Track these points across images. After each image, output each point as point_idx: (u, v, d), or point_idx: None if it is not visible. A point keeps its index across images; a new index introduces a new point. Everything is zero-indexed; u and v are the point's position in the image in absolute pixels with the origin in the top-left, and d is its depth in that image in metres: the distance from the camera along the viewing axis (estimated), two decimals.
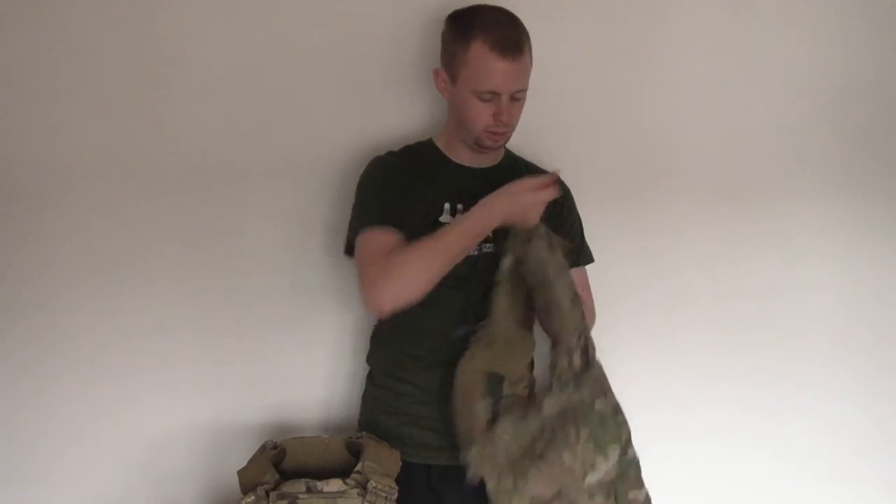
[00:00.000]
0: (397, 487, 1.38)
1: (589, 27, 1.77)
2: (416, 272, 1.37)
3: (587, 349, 1.44)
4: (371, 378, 1.60)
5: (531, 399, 1.45)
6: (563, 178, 1.65)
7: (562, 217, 1.60)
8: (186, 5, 1.63)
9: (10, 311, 1.62)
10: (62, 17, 1.59)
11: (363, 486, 1.34)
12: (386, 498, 1.35)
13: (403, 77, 1.70)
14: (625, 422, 1.45)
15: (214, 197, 1.67)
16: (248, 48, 1.66)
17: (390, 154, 1.55)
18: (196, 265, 1.67)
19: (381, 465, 1.39)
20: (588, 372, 1.43)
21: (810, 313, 1.88)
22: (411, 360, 1.51)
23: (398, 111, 1.71)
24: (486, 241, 1.49)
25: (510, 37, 1.41)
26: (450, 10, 1.50)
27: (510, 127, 1.49)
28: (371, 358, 1.61)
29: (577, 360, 1.42)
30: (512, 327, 1.45)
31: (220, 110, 1.66)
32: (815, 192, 1.88)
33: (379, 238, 1.42)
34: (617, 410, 1.45)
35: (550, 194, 1.40)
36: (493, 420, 1.41)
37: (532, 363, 1.53)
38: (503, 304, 1.44)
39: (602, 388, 1.45)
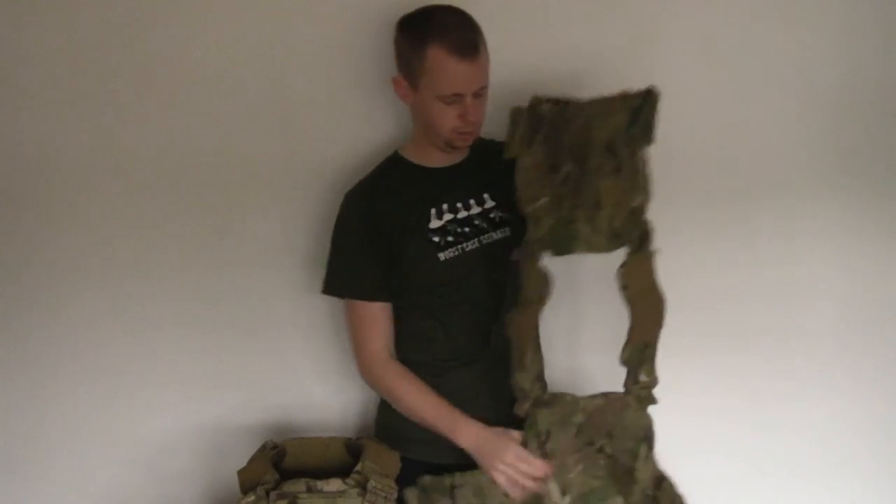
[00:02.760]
0: (397, 487, 1.38)
1: (590, 26, 1.77)
2: (393, 399, 1.52)
3: None
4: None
5: None
6: None
7: None
8: (184, 7, 1.63)
9: (10, 311, 1.63)
10: (61, 19, 1.59)
11: (363, 486, 1.35)
12: (386, 498, 1.36)
13: None
14: None
15: (216, 197, 1.67)
16: (245, 49, 1.65)
17: (360, 191, 1.53)
18: (197, 265, 1.67)
19: (381, 465, 1.40)
20: None
21: (812, 313, 1.88)
22: (441, 361, 1.53)
23: (398, 111, 1.71)
24: (497, 226, 1.53)
25: (465, 38, 1.40)
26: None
27: (477, 125, 1.49)
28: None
29: None
30: None
31: (221, 111, 1.66)
32: (816, 192, 1.87)
33: (369, 314, 1.51)
34: None
35: (517, 493, 1.38)
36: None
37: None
38: None
39: None
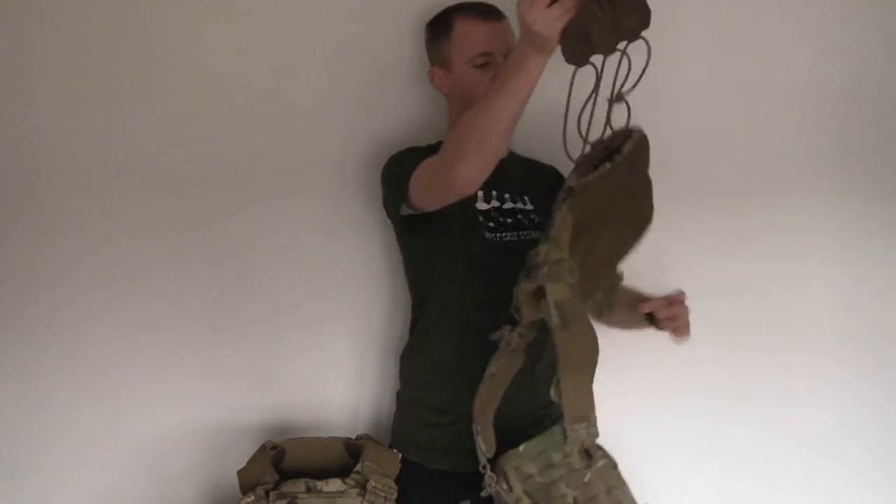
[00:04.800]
0: (396, 487, 1.38)
1: None
2: (476, 139, 1.24)
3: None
4: (405, 389, 1.58)
5: None
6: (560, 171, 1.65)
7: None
8: (186, 7, 1.63)
9: (9, 311, 1.63)
10: (61, 19, 1.59)
11: (362, 486, 1.35)
12: (385, 498, 1.36)
13: (412, 77, 1.71)
14: None
15: (216, 196, 1.67)
16: (250, 51, 1.66)
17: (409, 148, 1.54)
18: (198, 265, 1.67)
19: (381, 465, 1.40)
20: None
21: (810, 309, 1.88)
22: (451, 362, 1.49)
23: (407, 112, 1.72)
24: (536, 227, 1.49)
25: (488, 4, 1.51)
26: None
27: None
28: (406, 373, 1.59)
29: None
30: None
31: (221, 109, 1.66)
32: (814, 188, 1.88)
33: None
34: None
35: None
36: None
37: None
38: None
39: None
